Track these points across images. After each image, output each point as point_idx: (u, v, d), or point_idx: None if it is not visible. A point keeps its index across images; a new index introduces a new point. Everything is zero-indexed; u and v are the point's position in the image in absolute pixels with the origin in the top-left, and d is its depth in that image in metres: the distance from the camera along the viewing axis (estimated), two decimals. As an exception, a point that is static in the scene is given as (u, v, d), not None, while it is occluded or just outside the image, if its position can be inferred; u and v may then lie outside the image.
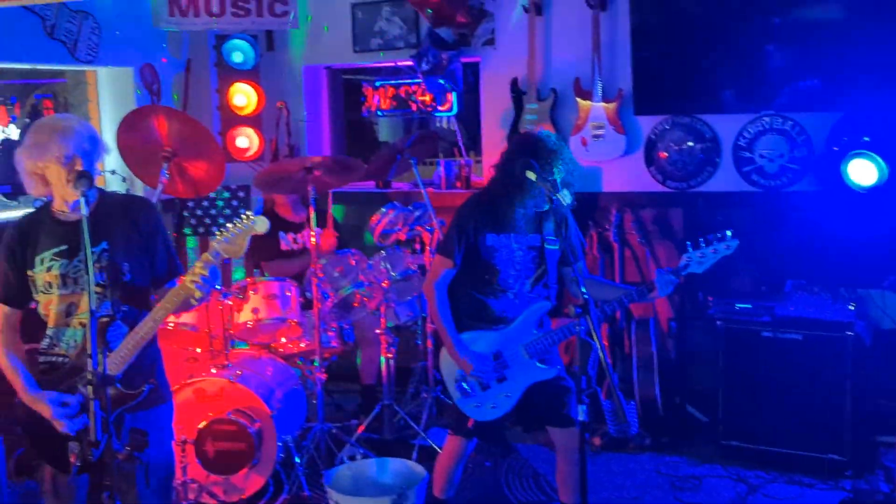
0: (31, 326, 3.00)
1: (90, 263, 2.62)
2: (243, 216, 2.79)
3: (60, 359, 2.89)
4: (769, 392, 4.54)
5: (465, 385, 3.51)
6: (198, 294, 2.76)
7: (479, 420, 3.55)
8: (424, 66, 5.53)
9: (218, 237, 2.77)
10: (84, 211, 2.68)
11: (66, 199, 2.87)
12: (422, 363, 5.38)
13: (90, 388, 2.52)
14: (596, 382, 4.79)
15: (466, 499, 4.32)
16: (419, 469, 3.01)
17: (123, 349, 2.80)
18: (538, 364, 3.50)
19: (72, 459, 2.72)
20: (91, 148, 2.86)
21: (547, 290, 3.61)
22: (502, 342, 3.51)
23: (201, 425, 4.16)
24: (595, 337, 2.82)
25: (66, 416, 2.75)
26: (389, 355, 4.91)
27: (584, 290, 2.95)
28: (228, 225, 2.77)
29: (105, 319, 2.78)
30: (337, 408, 5.60)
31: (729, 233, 3.32)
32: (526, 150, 3.43)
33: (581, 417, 2.85)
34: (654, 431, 4.89)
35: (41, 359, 2.92)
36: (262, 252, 5.26)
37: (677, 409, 5.12)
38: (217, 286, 4.50)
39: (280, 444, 4.30)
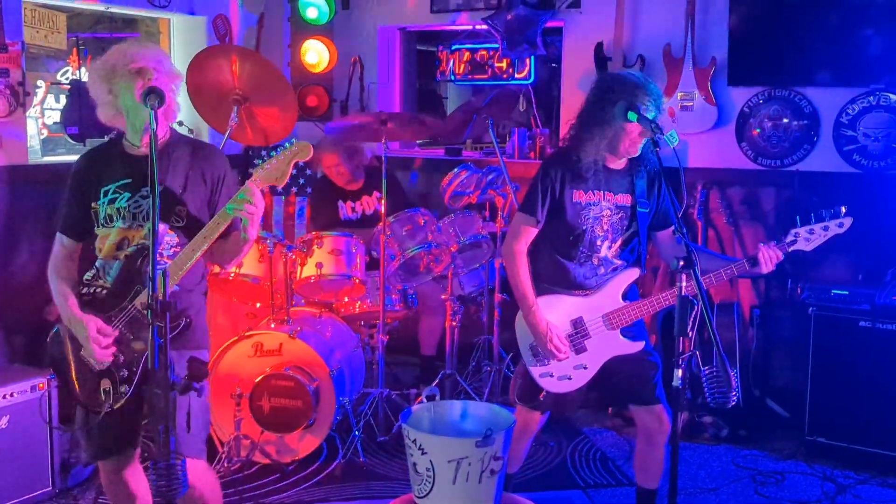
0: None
1: (155, 187, 2.42)
2: (287, 144, 2.66)
3: (100, 290, 2.78)
4: (863, 387, 4.18)
5: (540, 353, 3.24)
6: (241, 219, 2.65)
7: (552, 392, 3.28)
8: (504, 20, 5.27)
9: (260, 164, 2.67)
10: (153, 126, 2.49)
11: (137, 128, 2.75)
12: (485, 337, 5.13)
13: (149, 312, 2.33)
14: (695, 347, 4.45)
15: (531, 477, 4.08)
16: (506, 414, 2.73)
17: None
18: (621, 336, 3.22)
19: (102, 399, 2.65)
20: (160, 66, 2.71)
21: (633, 255, 3.30)
22: (584, 309, 3.22)
23: (258, 379, 3.98)
24: (700, 295, 2.52)
25: (100, 344, 2.66)
26: (454, 323, 4.67)
27: (687, 245, 2.66)
28: (272, 153, 2.65)
29: (142, 252, 2.69)
30: (394, 378, 5.38)
31: (843, 209, 3.03)
32: (617, 91, 3.05)
33: (676, 384, 2.57)
34: (731, 423, 4.57)
35: (83, 290, 2.81)
36: (322, 221, 5.07)
37: (756, 402, 4.78)
38: (278, 237, 4.32)
39: (338, 405, 4.10)
